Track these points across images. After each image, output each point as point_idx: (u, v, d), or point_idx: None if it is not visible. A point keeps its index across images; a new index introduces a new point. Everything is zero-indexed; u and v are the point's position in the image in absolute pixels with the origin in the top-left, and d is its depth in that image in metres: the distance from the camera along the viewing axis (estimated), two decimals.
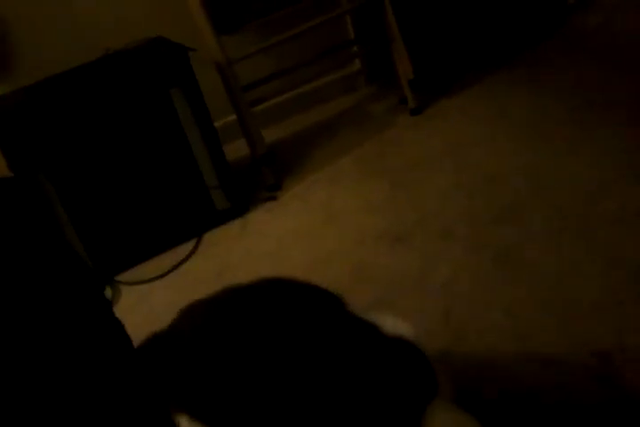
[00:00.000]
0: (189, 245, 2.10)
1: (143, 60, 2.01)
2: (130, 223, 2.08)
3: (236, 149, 2.40)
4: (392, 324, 1.19)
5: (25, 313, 0.73)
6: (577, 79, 2.38)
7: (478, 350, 1.43)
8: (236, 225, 2.14)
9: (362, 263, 1.80)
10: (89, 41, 2.18)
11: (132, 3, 2.33)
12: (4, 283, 0.71)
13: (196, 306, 1.30)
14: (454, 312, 1.56)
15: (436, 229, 1.85)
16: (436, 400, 1.06)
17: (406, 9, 2.47)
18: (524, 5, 2.74)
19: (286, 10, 2.26)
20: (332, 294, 1.27)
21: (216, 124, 2.16)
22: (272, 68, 2.46)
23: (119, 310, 1.07)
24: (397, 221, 1.93)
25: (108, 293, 1.96)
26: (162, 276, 1.98)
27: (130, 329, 1.01)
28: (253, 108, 2.28)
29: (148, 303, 1.90)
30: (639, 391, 1.23)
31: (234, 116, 2.37)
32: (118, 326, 0.92)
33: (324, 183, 2.21)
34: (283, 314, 1.18)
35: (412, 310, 1.60)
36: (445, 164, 2.13)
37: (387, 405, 1.05)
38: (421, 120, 2.41)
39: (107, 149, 1.99)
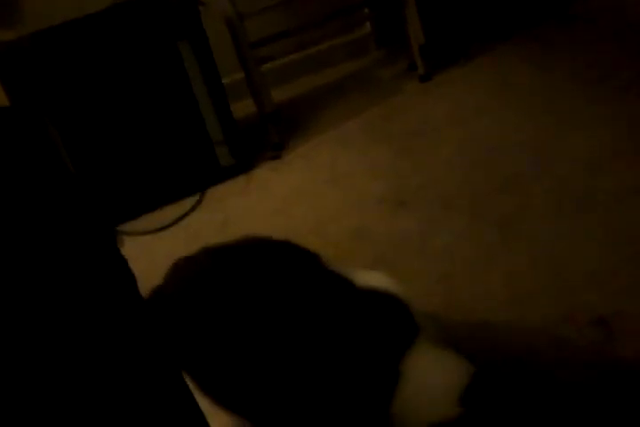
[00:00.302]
0: (193, 200, 2.12)
1: (152, 11, 2.00)
2: (134, 175, 2.09)
3: (242, 109, 2.40)
4: (370, 278, 1.22)
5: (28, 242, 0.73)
6: (586, 55, 2.38)
7: (475, 313, 1.47)
8: (240, 182, 2.16)
9: (363, 225, 1.83)
10: None
11: None
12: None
13: (180, 266, 1.33)
14: (453, 276, 1.60)
15: (438, 196, 1.88)
16: (417, 344, 1.11)
17: None
18: None
19: None
20: (309, 252, 1.27)
21: (223, 82, 2.16)
22: (282, 26, 2.44)
23: None
24: (400, 186, 1.95)
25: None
26: (164, 228, 2.00)
27: None
28: (261, 67, 2.28)
29: (149, 254, 1.92)
30: (634, 355, 1.28)
31: (241, 75, 2.37)
32: (124, 263, 0.93)
33: (328, 145, 2.23)
34: (262, 271, 1.22)
35: (411, 272, 1.63)
36: (450, 132, 2.14)
37: (360, 351, 1.10)
38: (429, 87, 2.41)
39: (112, 99, 1.99)
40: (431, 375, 1.08)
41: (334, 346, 1.11)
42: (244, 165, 2.20)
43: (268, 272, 1.22)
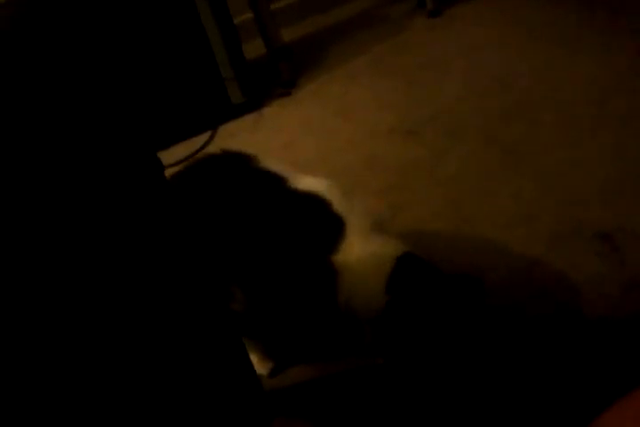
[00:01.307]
0: (205, 137, 2.14)
1: None
2: (147, 113, 2.11)
3: (252, 49, 2.40)
4: (307, 182, 1.23)
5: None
6: None
7: (484, 231, 1.49)
8: (251, 119, 2.18)
9: (374, 154, 1.85)
10: None
11: None
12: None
13: None
14: (463, 199, 1.62)
15: (446, 125, 1.89)
16: (345, 239, 1.13)
17: None
18: None
19: None
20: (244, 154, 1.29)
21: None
22: None
23: None
24: (410, 116, 1.96)
25: None
26: (177, 163, 2.02)
27: None
28: (270, 5, 2.27)
29: None
30: (636, 265, 1.31)
31: (251, 15, 2.37)
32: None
33: (338, 81, 2.23)
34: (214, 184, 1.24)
35: (422, 197, 1.66)
36: (459, 64, 2.14)
37: (291, 255, 1.13)
38: (439, 22, 2.40)
39: (125, 38, 2.00)
40: (361, 266, 1.10)
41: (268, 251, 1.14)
42: (254, 102, 2.21)
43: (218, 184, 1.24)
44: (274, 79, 2.28)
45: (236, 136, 2.11)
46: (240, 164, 1.26)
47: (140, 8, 1.99)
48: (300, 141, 2.00)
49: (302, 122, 2.09)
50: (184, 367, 0.80)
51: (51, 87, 0.76)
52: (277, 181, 1.20)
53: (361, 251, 1.12)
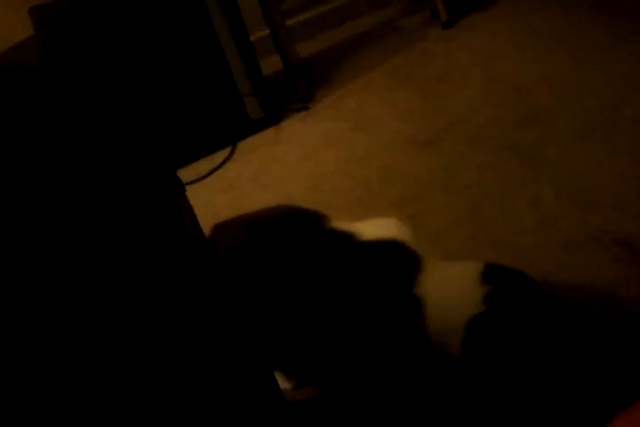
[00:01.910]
0: (225, 153, 2.18)
1: None
2: (167, 131, 2.16)
3: (269, 65, 2.45)
4: (372, 227, 1.23)
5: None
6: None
7: (503, 239, 1.51)
8: (270, 133, 2.21)
9: (391, 166, 1.87)
10: None
11: None
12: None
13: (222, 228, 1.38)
14: (481, 208, 1.63)
15: (463, 135, 1.91)
16: (423, 268, 1.15)
17: None
18: None
19: None
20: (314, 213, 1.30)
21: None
22: None
23: None
24: (426, 127, 1.98)
25: None
26: (199, 179, 2.07)
27: None
28: (286, 21, 2.31)
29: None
30: None
31: (266, 32, 2.41)
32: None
33: (355, 94, 2.26)
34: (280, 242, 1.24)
35: (440, 207, 1.68)
36: (474, 75, 2.16)
37: (374, 294, 1.14)
38: (452, 33, 2.42)
39: (142, 57, 2.05)
40: (447, 288, 1.11)
41: (350, 297, 1.15)
42: (273, 117, 2.25)
43: (285, 242, 1.26)
44: (291, 94, 2.32)
45: (256, 151, 2.15)
46: (307, 224, 1.27)
47: (158, 27, 2.04)
48: (319, 154, 2.03)
49: (321, 135, 2.12)
50: (214, 386, 0.82)
51: (71, 108, 0.80)
52: (347, 239, 1.21)
53: (440, 275, 1.14)
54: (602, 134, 1.74)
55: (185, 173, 2.14)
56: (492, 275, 1.09)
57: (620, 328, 1.21)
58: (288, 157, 2.07)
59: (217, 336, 0.82)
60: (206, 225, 1.10)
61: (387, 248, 1.19)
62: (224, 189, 2.01)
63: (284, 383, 1.33)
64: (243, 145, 2.20)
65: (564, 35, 2.22)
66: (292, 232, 1.25)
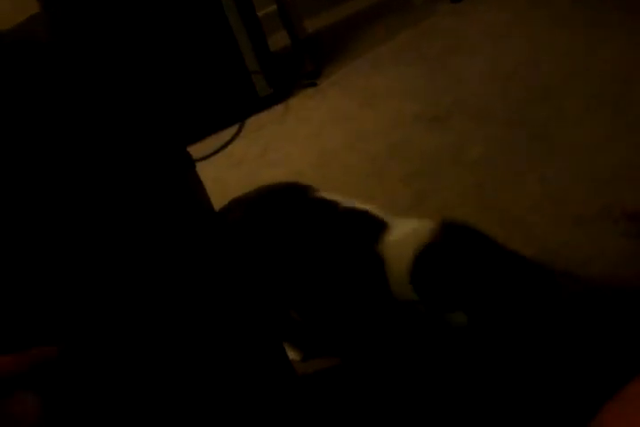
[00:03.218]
0: (233, 130, 2.18)
1: None
2: (175, 108, 2.15)
3: (276, 42, 2.43)
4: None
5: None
6: None
7: (511, 214, 1.51)
8: (278, 110, 2.21)
9: (399, 141, 1.87)
10: None
11: None
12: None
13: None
14: (489, 184, 1.63)
15: (471, 110, 1.90)
16: (385, 231, 1.17)
17: None
18: None
19: None
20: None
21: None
22: None
23: None
24: (434, 103, 1.97)
25: None
26: (209, 156, 2.07)
27: None
28: None
29: None
30: None
31: (273, 8, 2.40)
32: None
33: (363, 70, 2.25)
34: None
35: (448, 183, 1.68)
36: (484, 49, 2.14)
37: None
38: (461, 8, 2.40)
39: (149, 35, 2.04)
40: (401, 242, 1.13)
41: (323, 257, 1.20)
42: (281, 94, 2.24)
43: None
44: (299, 70, 2.31)
45: (264, 128, 2.15)
46: (297, 194, 1.32)
47: (166, 4, 2.03)
48: (326, 131, 2.03)
49: (328, 112, 2.12)
50: (228, 356, 0.84)
51: (78, 86, 0.80)
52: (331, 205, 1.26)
53: (397, 234, 1.16)
54: (612, 109, 1.73)
55: (194, 150, 2.12)
56: (447, 230, 1.11)
57: (628, 302, 1.22)
58: (296, 133, 2.07)
59: (227, 306, 0.84)
60: (215, 201, 1.11)
61: (357, 215, 1.23)
62: (233, 166, 2.02)
63: (292, 355, 1.35)
64: (251, 122, 2.19)
65: (574, 9, 2.20)
66: (279, 204, 1.31)
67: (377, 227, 1.18)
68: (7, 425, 0.54)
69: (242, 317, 0.86)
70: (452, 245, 1.11)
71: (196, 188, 1.05)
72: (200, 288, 0.81)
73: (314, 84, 2.25)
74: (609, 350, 1.13)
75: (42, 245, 0.70)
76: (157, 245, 0.80)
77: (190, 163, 1.10)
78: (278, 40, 2.43)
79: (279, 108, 2.22)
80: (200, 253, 0.86)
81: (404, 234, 1.15)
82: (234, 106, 2.21)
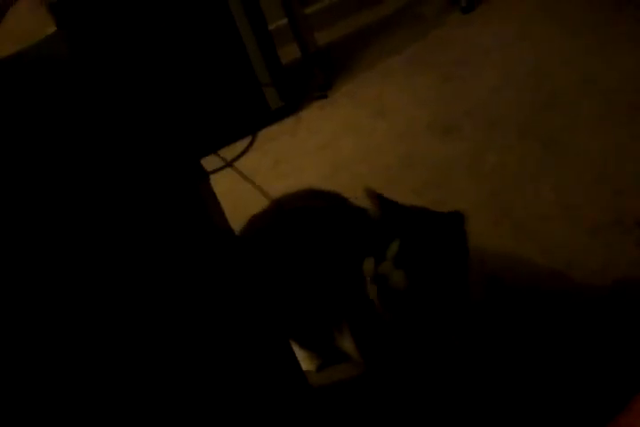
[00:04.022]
0: (245, 142, 2.18)
1: None
2: (187, 122, 2.16)
3: (287, 54, 2.44)
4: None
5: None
6: None
7: (526, 224, 1.50)
8: (290, 122, 2.21)
9: (411, 152, 1.86)
10: None
11: None
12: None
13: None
14: (503, 193, 1.62)
15: (484, 120, 1.89)
16: None
17: None
18: None
19: None
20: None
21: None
22: None
23: None
24: (446, 112, 1.97)
25: None
26: (221, 168, 2.08)
27: None
28: (304, 9, 2.31)
29: None
30: None
31: (284, 21, 2.41)
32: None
33: (374, 81, 2.25)
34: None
35: (461, 193, 1.67)
36: (495, 58, 2.14)
37: None
38: (472, 18, 2.39)
39: (161, 49, 2.05)
40: None
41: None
42: (292, 106, 2.25)
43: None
44: (310, 82, 2.32)
45: (276, 140, 2.15)
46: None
47: (178, 18, 2.04)
48: (338, 142, 2.03)
49: (340, 123, 2.12)
50: (232, 364, 0.83)
51: (95, 97, 0.81)
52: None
53: None
54: (625, 117, 1.72)
55: (206, 163, 2.14)
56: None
57: None
58: (307, 145, 2.07)
59: (237, 318, 0.83)
60: (228, 213, 1.11)
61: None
62: (245, 178, 2.02)
63: (306, 363, 1.34)
64: (262, 134, 2.20)
65: (585, 17, 2.19)
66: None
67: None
68: None
69: (249, 332, 0.86)
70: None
71: (208, 200, 1.05)
72: (211, 297, 0.81)
73: (324, 97, 2.25)
74: (619, 357, 1.12)
75: (48, 256, 0.70)
76: (168, 257, 0.80)
77: (204, 175, 1.10)
78: (289, 52, 2.43)
79: (290, 120, 2.22)
80: (211, 265, 0.85)
81: None
82: (245, 119, 2.22)
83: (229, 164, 2.10)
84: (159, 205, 0.81)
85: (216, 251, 0.89)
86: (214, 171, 2.08)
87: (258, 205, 1.66)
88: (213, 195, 1.06)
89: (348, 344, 1.22)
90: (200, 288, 0.81)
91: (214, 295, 0.82)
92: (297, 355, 1.32)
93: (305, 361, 1.35)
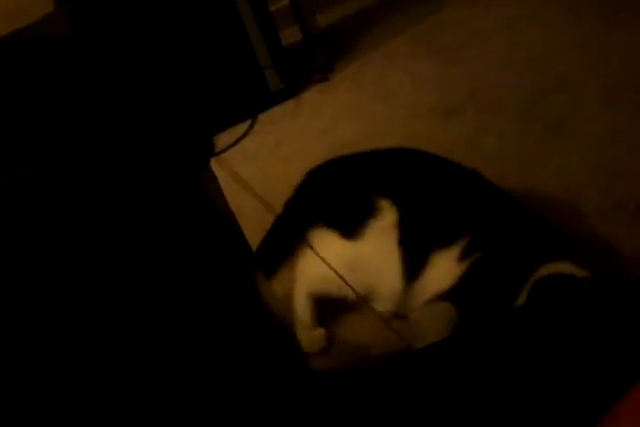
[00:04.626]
0: (245, 125, 2.17)
1: None
2: (187, 104, 2.15)
3: (288, 36, 2.41)
4: None
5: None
6: None
7: (526, 206, 1.49)
8: (290, 105, 2.19)
9: (413, 135, 1.85)
10: None
11: None
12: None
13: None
14: (504, 176, 1.60)
15: (487, 103, 1.88)
16: None
17: None
18: None
19: None
20: None
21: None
22: None
23: None
24: (449, 95, 1.95)
25: None
26: (221, 152, 2.06)
27: None
28: None
29: None
30: None
31: (285, 2, 2.38)
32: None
33: (375, 64, 2.23)
34: None
35: None
36: (498, 41, 2.11)
37: None
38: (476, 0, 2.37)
39: (160, 30, 2.03)
40: None
41: None
42: (292, 89, 2.23)
43: None
44: (311, 65, 2.29)
45: (277, 123, 2.14)
46: None
47: (178, 3, 2.02)
48: (340, 126, 2.02)
49: (341, 106, 2.10)
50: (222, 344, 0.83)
51: (97, 76, 0.80)
52: None
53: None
54: (630, 101, 1.70)
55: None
56: None
57: None
58: (308, 128, 2.06)
59: (232, 303, 0.83)
60: (229, 196, 1.11)
61: None
62: (245, 161, 2.00)
63: (308, 345, 1.33)
64: (263, 117, 2.18)
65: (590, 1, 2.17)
66: None
67: None
68: None
69: (245, 321, 0.85)
70: None
71: (209, 184, 1.04)
72: (209, 286, 0.80)
73: (325, 79, 2.23)
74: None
75: (44, 246, 0.70)
76: (167, 241, 0.79)
77: (212, 150, 1.09)
78: (290, 35, 2.40)
79: (291, 103, 2.20)
80: (210, 252, 0.85)
81: None
82: (246, 101, 2.20)
83: (230, 147, 2.08)
84: (158, 189, 0.81)
85: (215, 235, 0.89)
86: (216, 153, 2.06)
87: (259, 187, 1.66)
88: (215, 178, 1.05)
89: None
90: (198, 272, 0.80)
91: (213, 280, 0.82)
92: (300, 336, 1.32)
93: (309, 342, 1.34)
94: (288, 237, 1.51)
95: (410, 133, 1.86)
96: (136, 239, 0.76)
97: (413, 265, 1.30)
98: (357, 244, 1.34)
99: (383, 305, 1.35)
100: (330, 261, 1.31)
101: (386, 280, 1.32)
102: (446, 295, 1.23)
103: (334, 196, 1.47)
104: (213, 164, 2.13)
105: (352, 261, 1.34)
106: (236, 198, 1.34)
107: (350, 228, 1.36)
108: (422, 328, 1.24)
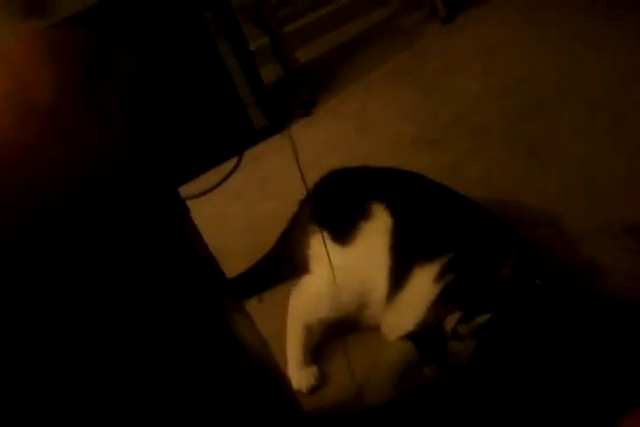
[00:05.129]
0: (231, 163, 2.17)
1: None
2: (173, 145, 2.16)
3: (269, 73, 2.44)
4: None
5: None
6: None
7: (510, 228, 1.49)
8: (275, 141, 2.19)
9: (397, 165, 1.85)
10: None
11: None
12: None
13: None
14: (488, 202, 1.60)
15: (468, 130, 1.89)
16: None
17: None
18: None
19: None
20: None
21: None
22: None
23: None
24: (431, 124, 1.97)
25: None
26: (208, 191, 2.07)
27: None
28: (284, 27, 2.31)
29: (197, 217, 1.99)
30: None
31: (265, 40, 2.41)
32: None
33: (356, 96, 2.25)
34: None
35: None
36: (477, 68, 2.14)
37: None
38: (452, 28, 2.40)
39: (141, 72, 2.06)
40: None
41: None
42: (277, 125, 2.24)
43: None
44: (294, 100, 2.32)
45: (262, 158, 2.14)
46: None
47: (159, 41, 2.04)
48: (325, 158, 2.02)
49: (325, 139, 2.11)
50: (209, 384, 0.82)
51: None
52: None
53: None
54: (608, 122, 1.72)
55: (192, 186, 2.14)
56: None
57: (631, 317, 1.19)
58: (293, 163, 2.06)
59: (217, 344, 0.82)
60: (216, 236, 1.11)
61: None
62: (232, 200, 2.01)
63: (299, 384, 1.32)
64: (248, 154, 2.18)
65: (563, 24, 2.20)
66: None
67: None
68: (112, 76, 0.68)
69: (220, 365, 0.84)
70: None
71: (187, 231, 1.03)
72: (178, 329, 0.80)
73: (309, 113, 2.25)
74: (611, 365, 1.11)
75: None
76: (144, 287, 0.79)
77: (181, 205, 1.08)
78: (270, 71, 2.44)
79: (276, 138, 2.21)
80: (189, 295, 0.84)
81: None
82: (231, 140, 2.22)
83: (216, 186, 2.09)
84: (132, 234, 0.80)
85: (197, 280, 0.88)
86: (202, 193, 2.07)
87: (246, 225, 1.66)
88: (192, 224, 1.04)
89: None
90: (180, 314, 0.80)
91: (194, 318, 0.81)
92: (292, 373, 1.31)
93: (300, 380, 1.33)
94: (282, 258, 1.54)
95: (394, 163, 1.86)
96: (112, 284, 0.75)
97: (398, 275, 1.31)
98: (349, 245, 1.36)
99: (371, 318, 1.35)
100: (324, 266, 1.32)
101: (373, 285, 1.33)
102: (412, 336, 1.23)
103: (330, 201, 1.51)
104: (199, 204, 2.14)
105: (344, 265, 1.33)
106: (222, 238, 1.35)
107: (343, 230, 1.38)
108: (381, 373, 1.23)
